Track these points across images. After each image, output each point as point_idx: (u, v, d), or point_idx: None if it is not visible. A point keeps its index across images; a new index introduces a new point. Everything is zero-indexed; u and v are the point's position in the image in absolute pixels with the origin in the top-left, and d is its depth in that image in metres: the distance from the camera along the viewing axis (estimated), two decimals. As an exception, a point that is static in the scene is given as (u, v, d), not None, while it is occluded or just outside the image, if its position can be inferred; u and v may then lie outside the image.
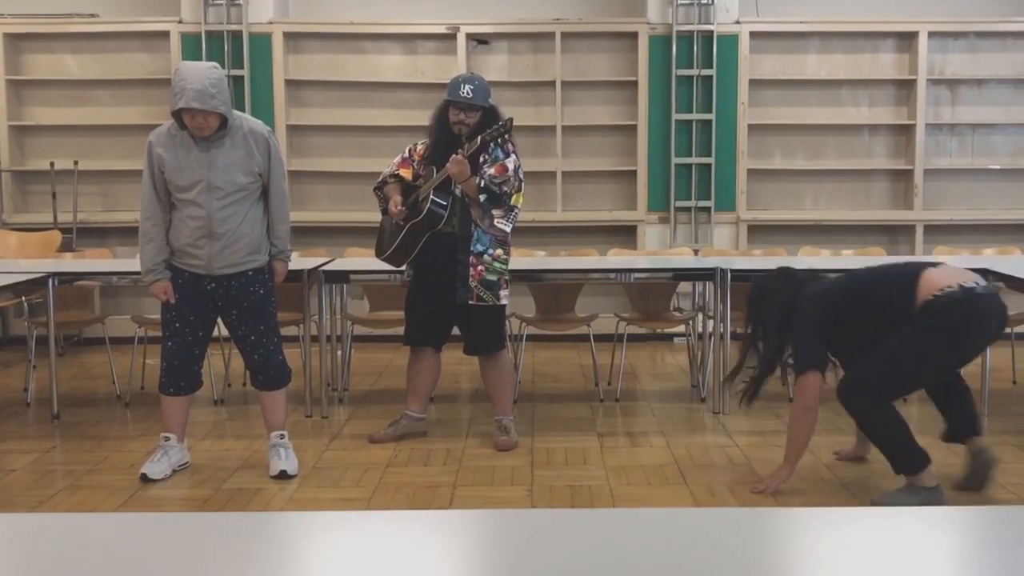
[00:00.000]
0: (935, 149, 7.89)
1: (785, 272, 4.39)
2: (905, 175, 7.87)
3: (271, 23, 7.64)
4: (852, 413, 4.09)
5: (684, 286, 6.89)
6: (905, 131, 7.87)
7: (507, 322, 5.29)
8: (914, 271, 4.01)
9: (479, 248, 4.70)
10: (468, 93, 4.66)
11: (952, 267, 4.08)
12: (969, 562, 1.57)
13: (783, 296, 4.21)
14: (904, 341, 3.92)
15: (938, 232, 7.71)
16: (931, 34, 7.68)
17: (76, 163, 7.59)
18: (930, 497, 3.93)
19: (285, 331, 4.83)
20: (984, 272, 5.41)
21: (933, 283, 3.90)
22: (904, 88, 7.86)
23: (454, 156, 4.57)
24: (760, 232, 7.80)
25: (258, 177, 4.32)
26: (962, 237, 7.60)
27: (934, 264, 4.09)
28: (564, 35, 7.67)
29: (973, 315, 3.87)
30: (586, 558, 1.54)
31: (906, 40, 7.81)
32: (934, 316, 3.86)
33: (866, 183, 7.98)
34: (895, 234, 7.90)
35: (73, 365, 6.99)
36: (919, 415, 5.22)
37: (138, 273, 4.52)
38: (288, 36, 7.73)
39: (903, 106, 7.89)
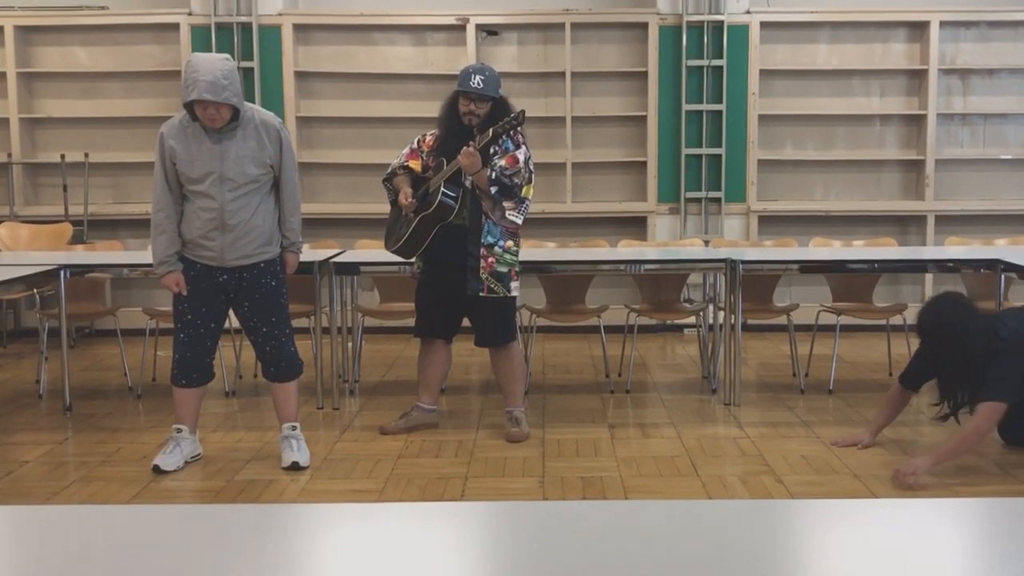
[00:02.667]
0: (947, 139, 7.86)
1: (968, 306, 4.41)
2: (916, 165, 7.84)
3: (280, 15, 7.64)
4: None
5: (694, 277, 6.88)
6: (916, 121, 7.84)
7: (518, 314, 5.29)
8: None
9: (490, 240, 4.70)
10: (479, 84, 4.65)
11: None
12: (984, 553, 1.57)
13: (979, 331, 4.24)
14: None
15: (949, 223, 7.68)
16: (943, 23, 7.64)
17: (87, 155, 7.61)
18: None
19: (296, 323, 4.84)
20: (995, 263, 5.40)
21: None
22: (915, 78, 7.82)
23: (465, 148, 4.56)
24: (771, 223, 7.78)
25: (270, 169, 4.32)
26: (974, 227, 7.57)
27: None
28: (574, 26, 7.66)
29: None
30: (598, 550, 1.54)
31: (917, 30, 7.77)
32: None
33: (877, 173, 7.95)
34: (906, 225, 7.87)
35: (85, 357, 7.02)
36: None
37: (150, 265, 4.53)
38: (298, 28, 7.73)
39: (914, 96, 7.85)
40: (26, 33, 7.78)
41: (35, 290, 6.55)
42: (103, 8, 7.81)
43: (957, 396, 4.39)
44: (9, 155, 7.66)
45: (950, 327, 4.24)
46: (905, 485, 4.09)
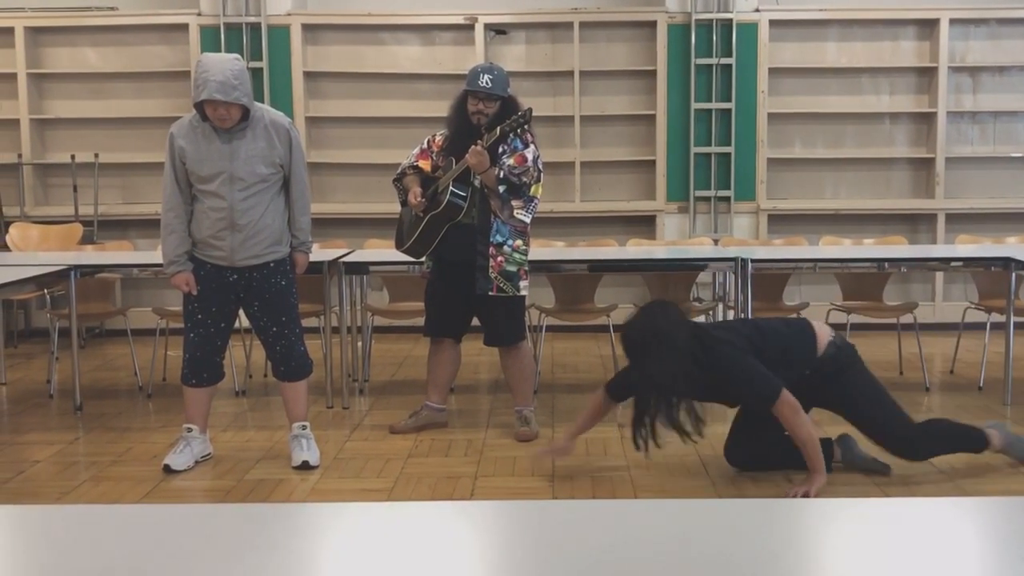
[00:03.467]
0: (956, 137, 7.83)
1: (670, 307, 4.12)
2: (926, 163, 7.82)
3: (289, 15, 7.66)
4: (926, 456, 4.28)
5: (704, 276, 6.87)
6: (926, 119, 7.82)
7: (527, 313, 5.29)
8: (807, 326, 4.22)
9: (499, 239, 4.70)
10: (487, 83, 4.65)
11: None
12: (996, 552, 1.56)
13: (684, 335, 3.95)
14: (858, 389, 4.17)
15: (960, 221, 7.66)
16: (952, 21, 7.61)
17: (97, 156, 7.63)
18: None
19: (306, 322, 4.85)
20: (1007, 261, 5.38)
21: (823, 337, 4.15)
22: (925, 76, 7.80)
23: (473, 147, 4.57)
24: (780, 221, 7.76)
25: (279, 168, 4.33)
26: (984, 226, 7.55)
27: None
28: (582, 24, 7.65)
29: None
30: (608, 549, 1.54)
31: (927, 27, 7.75)
32: (841, 364, 4.14)
33: (887, 172, 7.93)
34: (916, 223, 7.85)
35: (95, 357, 7.04)
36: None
37: (159, 265, 4.54)
38: (306, 28, 7.74)
39: (924, 94, 7.83)
40: (36, 34, 7.80)
41: (46, 290, 6.56)
42: (112, 9, 7.83)
43: (651, 409, 3.96)
44: (19, 156, 7.68)
45: (659, 330, 3.93)
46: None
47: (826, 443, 4.22)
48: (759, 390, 3.98)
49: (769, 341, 4.09)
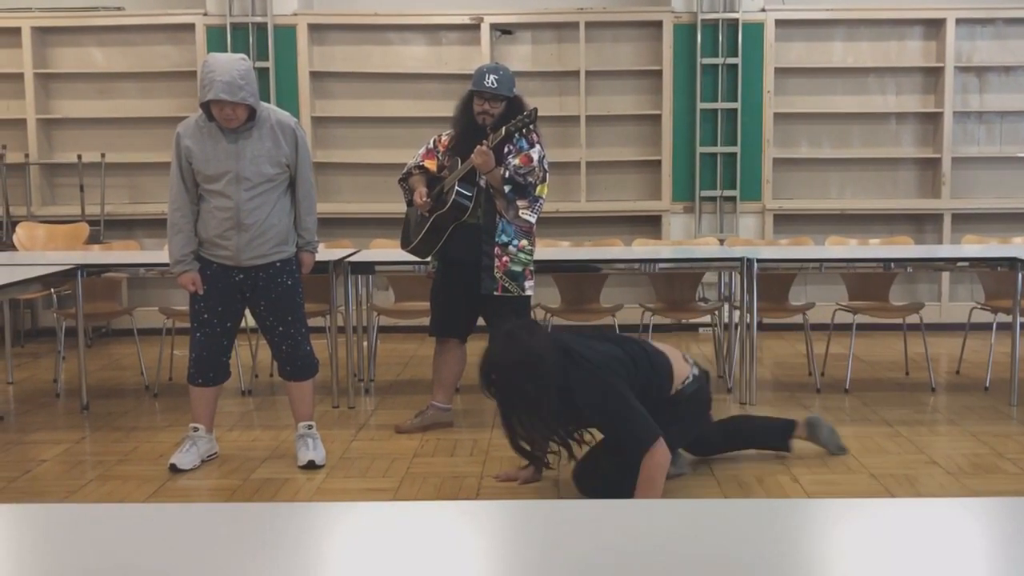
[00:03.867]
0: (963, 137, 7.82)
1: (544, 336, 3.90)
2: (933, 163, 7.80)
3: (295, 15, 7.66)
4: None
5: (710, 276, 6.86)
6: (932, 119, 7.80)
7: (532, 313, 5.28)
8: (666, 361, 3.98)
9: (504, 239, 4.70)
10: (493, 83, 4.65)
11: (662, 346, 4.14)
12: (1002, 553, 1.56)
13: (555, 366, 3.68)
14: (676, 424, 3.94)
15: (966, 221, 7.64)
16: (959, 21, 7.60)
17: (103, 155, 7.65)
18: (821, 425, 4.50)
19: (311, 322, 4.85)
20: (1013, 261, 5.37)
21: (679, 374, 4.01)
22: (931, 75, 7.79)
23: (478, 147, 4.57)
24: (786, 221, 7.75)
25: (285, 168, 4.34)
26: (991, 226, 7.53)
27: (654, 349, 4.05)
28: (588, 24, 7.65)
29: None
30: (613, 549, 1.54)
31: (933, 27, 7.74)
32: (685, 404, 4.03)
33: (893, 172, 7.92)
34: (922, 223, 7.84)
35: (102, 356, 7.05)
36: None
37: (166, 264, 4.55)
38: (312, 28, 7.75)
39: (930, 94, 7.82)
40: (43, 34, 7.82)
41: (52, 290, 6.58)
42: (119, 9, 7.84)
43: (558, 430, 3.80)
44: (26, 155, 7.70)
45: (521, 361, 3.65)
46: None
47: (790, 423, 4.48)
48: (636, 432, 3.70)
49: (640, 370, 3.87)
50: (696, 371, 4.09)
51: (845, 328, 6.11)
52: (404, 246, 4.99)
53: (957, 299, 7.69)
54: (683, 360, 4.08)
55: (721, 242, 6.87)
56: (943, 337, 6.94)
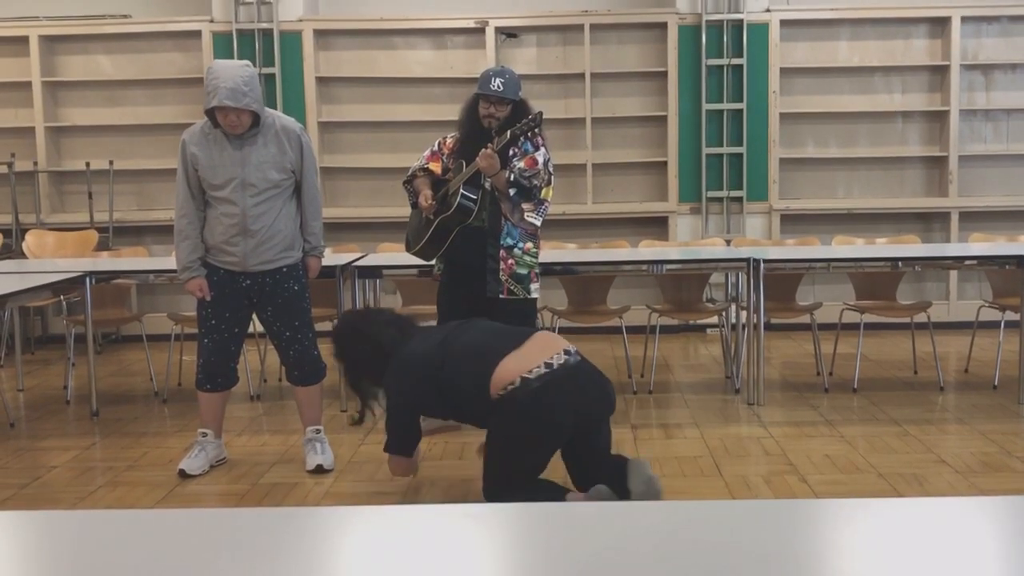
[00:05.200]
0: (969, 135, 7.81)
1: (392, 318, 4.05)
2: (939, 162, 7.79)
3: (301, 20, 7.68)
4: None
5: (717, 277, 6.86)
6: (939, 117, 7.79)
7: (539, 315, 5.29)
8: (491, 360, 3.63)
9: (509, 242, 4.70)
10: (499, 86, 4.65)
11: (541, 341, 3.73)
12: (1011, 552, 1.56)
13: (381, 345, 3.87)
14: (494, 441, 3.68)
15: (973, 219, 7.63)
16: (964, 19, 7.59)
17: (111, 163, 7.68)
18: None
19: (319, 326, 4.87)
20: (1021, 259, 5.35)
21: (503, 377, 3.58)
22: (937, 74, 7.78)
23: (483, 150, 4.57)
24: (793, 221, 7.75)
25: (291, 174, 4.35)
26: (998, 224, 7.52)
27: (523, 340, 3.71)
28: (593, 27, 7.66)
29: (533, 409, 3.56)
30: (621, 550, 1.54)
31: (939, 25, 7.73)
32: (503, 416, 3.60)
33: (900, 170, 7.91)
34: (930, 221, 7.82)
35: (111, 363, 7.07)
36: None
37: (174, 271, 4.57)
38: (318, 33, 7.77)
39: (936, 92, 7.80)
40: (50, 43, 7.85)
41: (62, 297, 6.60)
42: (126, 17, 7.88)
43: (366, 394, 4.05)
44: (35, 163, 7.73)
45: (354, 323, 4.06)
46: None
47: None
48: (389, 434, 3.90)
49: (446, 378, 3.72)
50: (545, 369, 3.56)
51: (853, 328, 6.10)
52: (408, 249, 4.99)
53: (965, 297, 7.67)
54: (529, 358, 3.61)
55: (728, 243, 6.87)
56: (951, 336, 6.93)
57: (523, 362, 3.59)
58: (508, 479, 3.67)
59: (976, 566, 1.50)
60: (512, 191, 4.64)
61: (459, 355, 3.71)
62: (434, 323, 4.96)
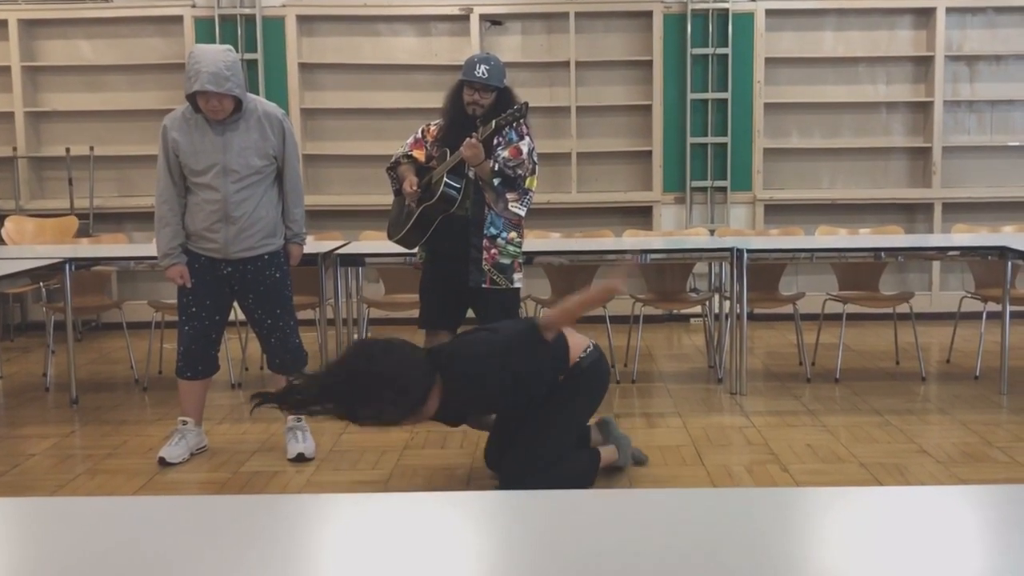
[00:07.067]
0: (953, 126, 7.83)
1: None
2: (923, 153, 7.81)
3: (284, 6, 7.63)
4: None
5: (700, 267, 6.86)
6: (923, 108, 7.81)
7: (522, 304, 5.28)
8: (549, 336, 3.78)
9: (492, 231, 4.68)
10: (484, 73, 4.62)
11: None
12: (990, 540, 1.56)
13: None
14: (567, 407, 3.84)
15: (957, 210, 7.65)
16: (949, 10, 7.60)
17: (92, 149, 7.62)
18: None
19: (301, 314, 4.84)
20: (1003, 250, 5.37)
21: (579, 343, 3.85)
22: (922, 65, 7.79)
23: (468, 140, 4.54)
24: (777, 211, 7.76)
25: (273, 160, 4.32)
26: (981, 215, 7.55)
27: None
28: (578, 15, 7.64)
29: None
30: (604, 538, 1.54)
31: (923, 16, 7.74)
32: (583, 378, 3.83)
33: (884, 161, 7.93)
34: (913, 212, 7.85)
35: (91, 350, 7.03)
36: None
37: (154, 258, 4.54)
38: (301, 19, 7.72)
39: (921, 83, 7.82)
40: (30, 27, 7.78)
41: (41, 283, 6.56)
42: (107, 1, 7.81)
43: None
44: (14, 149, 7.67)
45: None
46: None
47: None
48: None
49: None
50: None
51: (835, 318, 6.12)
52: (391, 236, 4.96)
53: (947, 288, 7.70)
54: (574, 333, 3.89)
55: (712, 233, 6.87)
56: (933, 326, 6.96)
57: (575, 336, 3.89)
58: (570, 443, 3.93)
59: (957, 554, 1.50)
60: (496, 181, 4.61)
61: (516, 344, 3.72)
62: (415, 313, 4.93)
